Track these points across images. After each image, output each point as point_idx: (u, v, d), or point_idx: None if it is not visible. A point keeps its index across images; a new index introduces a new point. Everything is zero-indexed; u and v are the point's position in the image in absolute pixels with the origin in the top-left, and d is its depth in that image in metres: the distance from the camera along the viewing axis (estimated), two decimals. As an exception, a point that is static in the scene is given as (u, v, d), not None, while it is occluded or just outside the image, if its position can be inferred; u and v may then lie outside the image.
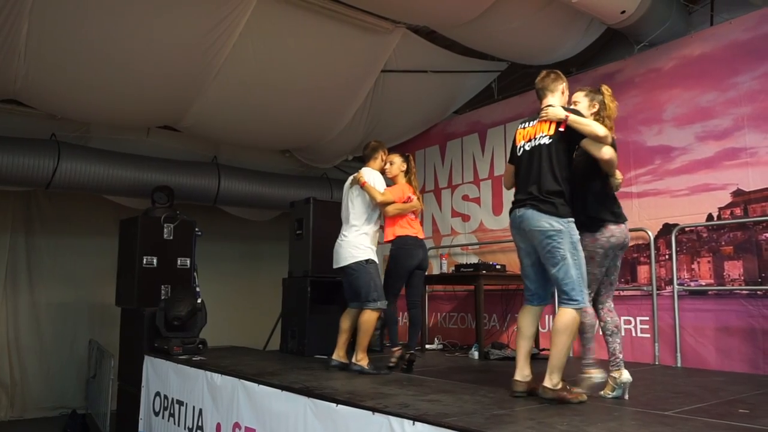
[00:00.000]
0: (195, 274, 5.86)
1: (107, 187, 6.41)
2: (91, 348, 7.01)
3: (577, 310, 3.00)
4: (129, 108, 5.96)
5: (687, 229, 4.94)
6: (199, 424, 4.16)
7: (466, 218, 7.01)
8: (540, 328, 5.59)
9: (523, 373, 3.14)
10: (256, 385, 3.63)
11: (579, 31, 5.56)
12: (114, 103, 5.78)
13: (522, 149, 3.27)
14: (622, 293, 5.22)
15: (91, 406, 6.72)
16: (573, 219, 3.09)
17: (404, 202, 4.38)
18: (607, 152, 3.08)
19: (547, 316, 5.58)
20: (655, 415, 2.80)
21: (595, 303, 3.31)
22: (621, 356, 3.23)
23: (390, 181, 4.50)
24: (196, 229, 5.95)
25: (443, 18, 5.40)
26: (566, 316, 2.99)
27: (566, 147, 3.12)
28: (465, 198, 7.05)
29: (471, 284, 5.89)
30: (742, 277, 4.58)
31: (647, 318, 5.03)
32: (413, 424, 2.56)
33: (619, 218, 3.27)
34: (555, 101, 3.25)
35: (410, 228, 4.40)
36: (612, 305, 3.35)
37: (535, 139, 3.19)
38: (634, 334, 5.08)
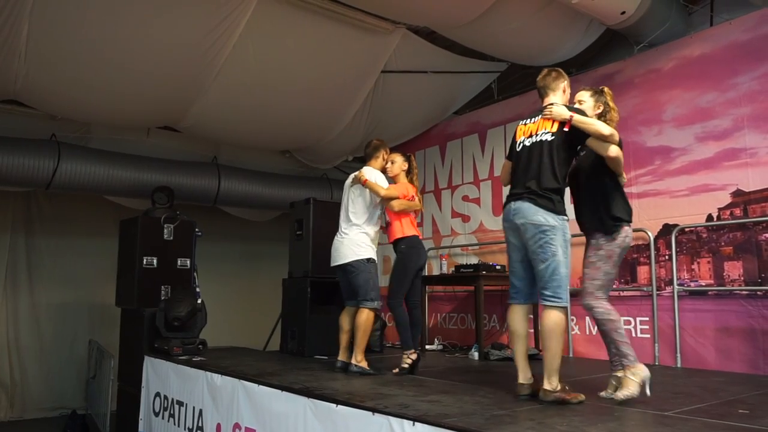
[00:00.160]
0: (195, 274, 5.86)
1: (107, 187, 6.41)
2: (91, 348, 7.01)
3: (562, 309, 2.98)
4: (129, 108, 5.96)
5: (687, 229, 4.94)
6: (199, 424, 4.16)
7: (466, 219, 7.01)
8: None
9: (526, 375, 3.14)
10: (256, 385, 3.64)
11: (579, 32, 5.57)
12: (114, 104, 5.78)
13: (521, 145, 3.26)
14: (622, 293, 5.23)
15: (91, 407, 6.72)
16: (568, 217, 3.10)
17: (409, 200, 4.34)
18: (613, 150, 3.06)
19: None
20: (654, 415, 2.80)
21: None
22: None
23: (391, 181, 4.49)
24: (196, 230, 5.96)
25: (443, 18, 5.40)
26: (554, 317, 2.98)
27: (567, 146, 3.12)
28: (465, 198, 7.05)
29: (471, 285, 5.90)
30: (742, 278, 4.59)
31: (647, 318, 5.04)
32: (413, 424, 2.56)
33: (631, 218, 3.28)
34: (557, 100, 3.25)
35: (415, 228, 4.38)
36: None
37: (537, 135, 3.18)
38: (634, 335, 5.08)
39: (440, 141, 7.49)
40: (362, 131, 6.91)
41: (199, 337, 5.25)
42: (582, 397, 3.03)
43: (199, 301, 5.36)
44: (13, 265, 7.10)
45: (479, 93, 7.14)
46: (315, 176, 8.11)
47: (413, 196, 4.37)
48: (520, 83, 6.66)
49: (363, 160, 4.62)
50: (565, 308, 3.00)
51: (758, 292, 4.46)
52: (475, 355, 5.45)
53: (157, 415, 4.83)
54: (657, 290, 5.03)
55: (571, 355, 5.53)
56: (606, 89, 3.36)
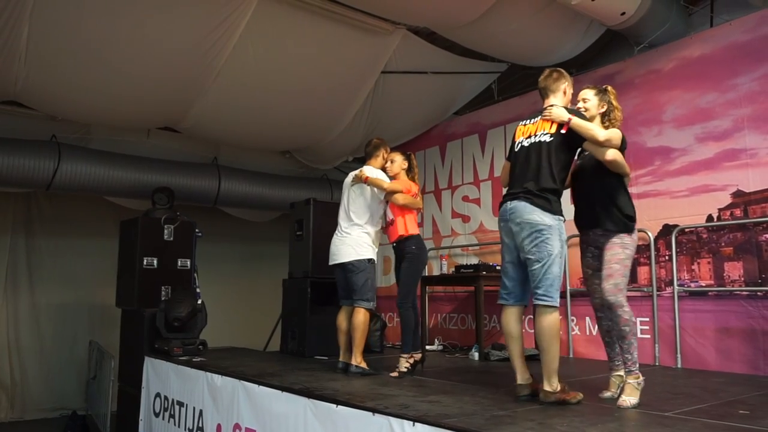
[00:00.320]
0: (195, 275, 5.86)
1: (107, 188, 6.41)
2: (91, 349, 7.01)
3: (555, 309, 2.98)
4: (129, 109, 5.97)
5: (687, 230, 4.94)
6: (200, 425, 4.16)
7: (466, 219, 7.01)
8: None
9: (524, 376, 3.13)
10: (257, 386, 3.64)
11: (579, 33, 5.57)
12: (114, 105, 5.78)
13: (520, 145, 3.26)
14: (622, 294, 5.22)
15: (92, 407, 6.72)
16: (564, 218, 3.10)
17: (412, 196, 4.30)
18: (609, 155, 3.06)
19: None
20: (654, 415, 2.80)
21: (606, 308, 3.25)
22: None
23: (391, 179, 4.47)
24: (197, 230, 5.96)
25: (443, 19, 5.41)
26: (549, 319, 2.97)
27: (566, 148, 3.11)
28: (465, 199, 7.05)
29: (471, 285, 5.89)
30: (742, 278, 4.59)
31: (647, 319, 5.03)
32: (413, 425, 2.56)
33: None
34: (557, 101, 3.24)
35: (417, 227, 4.34)
36: None
37: (536, 136, 3.17)
38: (634, 335, 5.08)
39: (440, 141, 7.49)
40: (362, 132, 6.92)
41: (199, 338, 5.25)
42: (580, 396, 3.03)
43: (200, 301, 5.37)
44: (13, 265, 7.10)
45: (479, 93, 7.14)
46: (315, 177, 8.12)
47: (416, 194, 4.34)
48: (520, 84, 6.66)
49: (363, 160, 4.61)
50: (557, 308, 3.00)
51: (758, 293, 4.46)
52: (476, 355, 5.45)
53: (157, 415, 4.83)
54: (657, 291, 5.03)
55: (571, 355, 5.52)
56: (609, 88, 3.35)
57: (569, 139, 3.09)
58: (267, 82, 5.84)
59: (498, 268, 5.79)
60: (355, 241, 4.22)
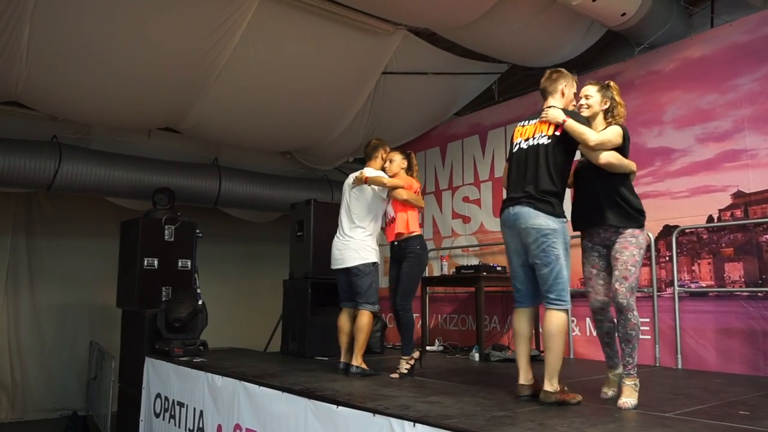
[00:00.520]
0: (196, 275, 5.86)
1: (108, 188, 6.42)
2: (91, 349, 7.02)
3: (566, 311, 2.99)
4: (130, 110, 5.97)
5: (687, 230, 4.94)
6: (200, 425, 4.16)
7: (466, 220, 7.01)
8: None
9: (527, 376, 3.14)
10: (257, 386, 3.64)
11: (579, 33, 5.57)
12: (115, 105, 5.79)
13: (518, 146, 3.25)
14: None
15: (92, 408, 6.72)
16: (566, 219, 3.10)
17: (414, 193, 4.26)
18: (602, 158, 3.04)
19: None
20: (655, 416, 2.80)
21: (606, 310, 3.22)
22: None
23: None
24: (197, 231, 5.96)
25: (444, 20, 5.41)
26: (558, 319, 2.98)
27: (564, 150, 3.10)
28: (465, 200, 7.06)
29: (471, 286, 5.89)
30: (743, 279, 4.59)
31: (648, 319, 5.03)
32: (414, 425, 2.56)
33: None
34: (556, 102, 3.24)
35: (419, 227, 4.30)
36: None
37: (534, 138, 3.17)
38: (634, 336, 5.08)
39: (441, 142, 7.49)
40: (363, 132, 6.92)
41: (199, 338, 5.25)
42: (580, 397, 3.04)
43: (200, 302, 5.37)
44: (14, 266, 7.10)
45: (480, 94, 7.15)
46: (316, 177, 8.12)
47: (417, 191, 4.30)
48: (520, 84, 6.66)
49: (363, 161, 4.60)
50: (568, 310, 3.01)
51: (759, 294, 4.46)
52: (476, 356, 5.45)
53: (157, 416, 4.83)
54: (657, 291, 5.03)
55: (571, 356, 5.52)
56: (612, 84, 3.30)
57: (566, 141, 3.08)
58: (268, 82, 5.84)
59: (498, 268, 5.83)
60: (358, 244, 4.19)
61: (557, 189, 3.08)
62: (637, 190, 5.24)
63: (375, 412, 2.78)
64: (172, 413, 4.59)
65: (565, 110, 3.17)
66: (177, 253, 5.79)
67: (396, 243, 4.24)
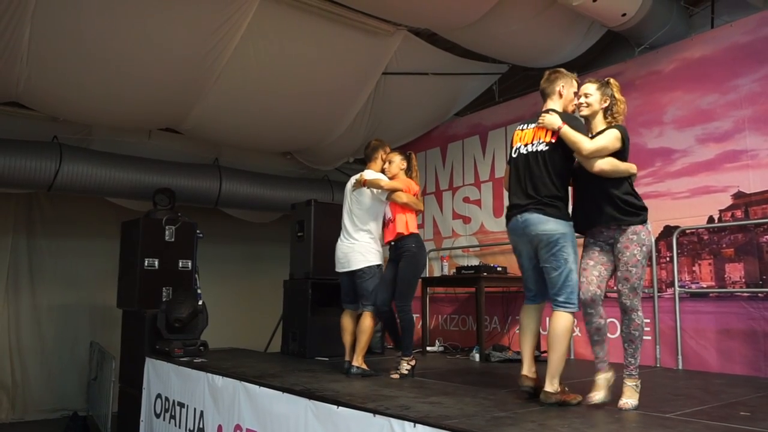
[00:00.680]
0: (196, 276, 5.87)
1: (109, 189, 6.42)
2: (92, 350, 7.02)
3: (572, 314, 3.01)
4: (131, 110, 5.97)
5: (688, 231, 4.94)
6: (201, 425, 4.16)
7: (467, 220, 7.01)
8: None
9: (530, 369, 3.15)
10: (257, 387, 3.64)
11: (580, 34, 5.57)
12: (116, 106, 5.79)
13: (518, 152, 3.25)
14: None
15: (92, 408, 6.72)
16: (573, 222, 3.10)
17: (413, 196, 4.23)
18: (597, 166, 3.01)
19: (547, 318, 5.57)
20: (655, 417, 2.80)
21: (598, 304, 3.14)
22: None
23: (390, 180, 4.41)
24: (198, 231, 5.96)
25: (444, 20, 5.41)
26: (565, 320, 3.00)
27: (563, 155, 3.10)
28: (466, 200, 7.06)
29: (472, 286, 5.89)
30: (743, 280, 4.58)
31: (648, 320, 5.02)
32: (414, 426, 2.56)
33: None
34: (554, 104, 3.24)
35: (416, 227, 4.27)
36: None
37: (533, 144, 3.17)
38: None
39: (441, 142, 7.49)
40: (363, 133, 6.92)
41: (200, 339, 5.25)
42: (580, 398, 3.04)
43: (201, 302, 5.37)
44: (14, 266, 7.11)
45: (480, 95, 7.15)
46: (316, 178, 8.12)
47: (417, 193, 4.28)
48: (521, 85, 6.66)
49: (364, 162, 4.60)
50: (575, 312, 3.01)
51: (759, 294, 4.46)
52: (476, 356, 5.45)
53: (158, 416, 4.84)
54: (658, 292, 5.03)
55: (572, 356, 5.52)
56: (612, 81, 3.26)
57: (564, 147, 3.07)
58: (268, 83, 5.84)
59: (499, 269, 5.84)
60: (363, 247, 4.19)
61: (560, 193, 3.09)
62: (638, 190, 5.24)
63: (375, 412, 2.78)
64: (173, 413, 4.59)
65: (563, 113, 3.16)
66: (177, 254, 5.79)
67: (393, 243, 4.22)
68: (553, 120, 3.09)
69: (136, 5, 4.74)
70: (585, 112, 3.20)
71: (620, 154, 3.09)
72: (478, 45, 5.95)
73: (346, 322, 4.30)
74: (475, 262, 6.63)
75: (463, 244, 7.01)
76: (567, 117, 3.14)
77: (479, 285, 5.58)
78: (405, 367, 4.11)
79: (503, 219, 5.57)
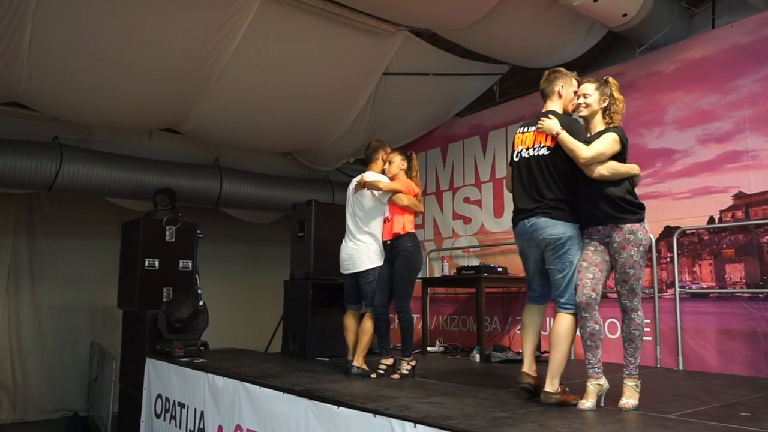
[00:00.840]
0: (197, 276, 5.87)
1: (109, 189, 6.42)
2: (92, 350, 7.02)
3: (575, 315, 3.01)
4: (131, 111, 5.98)
5: (688, 231, 4.94)
6: (201, 426, 4.16)
7: (467, 220, 7.01)
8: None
9: (531, 367, 3.17)
10: (258, 387, 3.64)
11: (580, 34, 5.57)
12: (116, 106, 5.80)
13: (519, 155, 3.25)
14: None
15: (93, 409, 6.73)
16: (578, 224, 3.10)
17: (414, 197, 4.22)
18: (595, 173, 3.00)
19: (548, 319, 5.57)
20: (656, 417, 2.80)
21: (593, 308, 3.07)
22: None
23: (390, 180, 4.40)
24: (198, 232, 5.96)
25: (445, 21, 5.41)
26: (567, 322, 3.02)
27: (564, 159, 3.09)
28: (466, 200, 7.06)
29: (472, 287, 5.89)
30: (744, 280, 4.58)
31: (649, 321, 5.02)
32: (414, 426, 2.56)
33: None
34: (553, 105, 3.24)
35: (413, 227, 4.25)
36: None
37: (534, 148, 3.17)
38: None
39: (442, 143, 7.49)
40: (364, 133, 6.92)
41: (200, 339, 5.25)
42: (580, 399, 3.02)
43: (201, 302, 5.37)
44: (15, 266, 7.11)
45: (481, 95, 7.15)
46: (317, 178, 8.13)
47: (417, 195, 4.27)
48: (521, 85, 6.66)
49: (365, 163, 4.60)
50: (575, 314, 3.02)
51: (760, 295, 4.46)
52: (477, 357, 5.45)
53: (158, 416, 4.84)
54: (658, 292, 5.03)
55: (572, 357, 5.51)
56: (610, 79, 3.24)
57: (564, 151, 3.07)
58: (268, 83, 5.85)
59: (499, 269, 5.84)
60: (368, 249, 4.20)
61: (565, 196, 3.10)
62: (638, 190, 5.24)
63: (376, 412, 2.78)
64: (173, 414, 4.59)
65: (562, 116, 3.16)
66: (178, 254, 5.79)
67: (389, 242, 4.19)
68: (551, 125, 3.09)
69: (137, 6, 4.74)
70: (584, 112, 3.19)
71: (619, 156, 3.08)
72: (478, 45, 5.95)
73: (349, 322, 4.31)
74: (475, 262, 6.63)
75: (464, 244, 7.01)
76: (566, 120, 3.14)
77: (480, 285, 5.58)
78: (405, 367, 4.11)
79: (504, 219, 5.55)
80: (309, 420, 3.17)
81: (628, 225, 2.99)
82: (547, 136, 3.13)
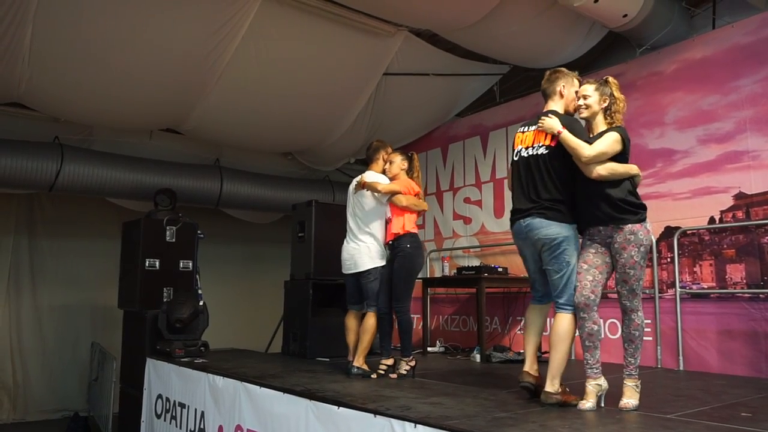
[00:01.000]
0: (197, 276, 5.87)
1: (110, 189, 6.43)
2: (93, 350, 7.02)
3: (574, 315, 3.02)
4: (132, 111, 5.98)
5: (689, 232, 4.94)
6: (201, 426, 4.16)
7: (467, 221, 7.01)
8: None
9: (532, 366, 3.17)
10: (258, 387, 3.64)
11: (581, 35, 5.57)
12: (117, 106, 5.80)
13: (519, 155, 3.25)
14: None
15: (93, 409, 6.73)
16: (576, 224, 3.10)
17: (414, 196, 4.21)
18: (595, 172, 3.00)
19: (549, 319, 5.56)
20: (657, 418, 2.79)
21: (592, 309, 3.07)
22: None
23: (391, 181, 4.40)
24: (199, 232, 5.96)
25: (445, 21, 5.41)
26: (567, 322, 3.01)
27: (563, 159, 3.09)
28: (467, 200, 7.06)
29: (473, 287, 5.89)
30: (744, 280, 4.58)
31: (649, 321, 5.02)
32: (415, 426, 2.56)
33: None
34: (555, 105, 3.23)
35: (415, 226, 4.24)
36: None
37: (533, 147, 3.17)
38: (636, 337, 5.07)
39: (442, 143, 7.49)
40: (364, 134, 6.93)
41: (201, 339, 5.25)
42: (580, 399, 3.02)
43: (201, 303, 5.37)
44: (15, 267, 7.12)
45: (481, 95, 7.15)
46: (317, 178, 8.13)
47: (418, 193, 4.26)
48: (522, 85, 6.67)
49: (365, 162, 4.60)
50: (574, 315, 3.02)
51: (760, 295, 4.46)
52: (477, 357, 5.45)
53: (159, 417, 4.84)
54: (659, 293, 5.02)
55: (572, 357, 5.51)
56: (611, 79, 3.23)
57: (565, 150, 3.06)
58: (269, 84, 5.85)
59: (500, 269, 5.84)
60: (369, 249, 4.19)
61: (562, 197, 3.09)
62: (639, 191, 5.24)
63: (376, 413, 2.78)
64: (174, 414, 4.59)
65: (563, 115, 3.16)
66: (178, 254, 5.79)
67: (390, 243, 4.21)
68: (552, 124, 3.08)
69: (138, 6, 4.74)
70: (585, 114, 3.18)
71: (621, 156, 3.07)
72: (479, 46, 5.95)
73: (351, 322, 4.31)
74: (475, 262, 6.63)
75: (464, 244, 7.01)
76: (567, 120, 3.13)
77: (480, 285, 5.58)
78: (404, 367, 4.11)
79: (504, 220, 5.54)
80: (309, 420, 3.17)
81: (629, 225, 2.98)
82: (546, 135, 3.13)
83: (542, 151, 3.13)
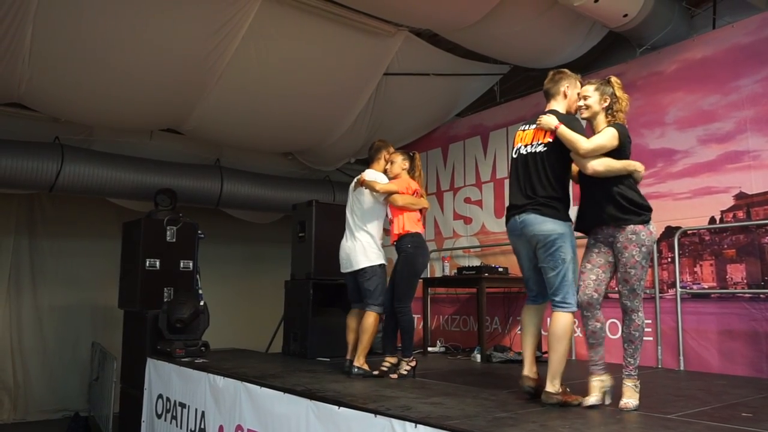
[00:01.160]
0: (197, 276, 5.87)
1: (110, 189, 6.43)
2: (93, 350, 7.02)
3: (572, 313, 3.01)
4: (132, 111, 5.98)
5: (689, 232, 4.94)
6: (202, 426, 4.17)
7: (468, 221, 7.01)
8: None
9: (531, 369, 3.16)
10: (259, 387, 3.64)
11: (581, 35, 5.57)
12: (117, 107, 5.80)
13: (518, 152, 3.26)
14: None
15: (94, 409, 6.73)
16: (572, 222, 3.09)
17: (412, 194, 4.21)
18: (589, 168, 3.00)
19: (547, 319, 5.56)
20: (657, 418, 2.79)
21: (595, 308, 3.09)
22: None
23: (392, 180, 4.40)
24: (199, 232, 5.96)
25: (446, 21, 5.41)
26: (564, 321, 3.00)
27: (561, 155, 3.10)
28: (467, 200, 7.06)
29: (473, 287, 5.89)
30: (745, 281, 4.58)
31: (650, 321, 5.02)
32: (415, 426, 2.56)
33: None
34: (557, 104, 3.24)
35: (418, 225, 4.22)
36: None
37: (532, 145, 3.18)
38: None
39: (442, 143, 7.49)
40: (364, 134, 6.93)
41: (201, 339, 5.25)
42: (581, 398, 3.03)
43: (202, 303, 5.37)
44: (16, 267, 7.12)
45: (482, 95, 7.15)
46: (317, 178, 8.13)
47: (417, 191, 4.25)
48: (522, 85, 6.66)
49: (365, 162, 4.60)
50: (573, 312, 3.01)
51: (761, 295, 4.45)
52: (478, 357, 5.45)
53: (159, 417, 4.84)
54: (660, 293, 5.02)
55: (573, 357, 5.51)
56: (613, 78, 3.22)
57: (562, 147, 3.07)
58: (269, 84, 5.85)
59: (500, 269, 5.83)
60: (364, 247, 4.20)
61: (558, 194, 3.09)
62: (640, 191, 5.22)
63: (376, 413, 2.78)
64: (174, 414, 4.59)
65: (562, 114, 3.16)
66: (179, 254, 5.79)
67: (394, 244, 4.23)
68: (549, 120, 3.10)
69: (138, 6, 4.74)
70: (585, 114, 3.19)
71: (619, 152, 3.07)
72: (479, 46, 5.95)
73: (351, 321, 4.32)
74: (476, 262, 6.63)
75: (464, 244, 7.01)
76: (566, 118, 3.14)
77: (480, 285, 5.58)
78: (404, 367, 4.11)
79: (504, 220, 5.54)
80: (310, 420, 3.17)
81: (631, 226, 2.98)
82: (545, 132, 3.13)
83: (540, 148, 3.14)
